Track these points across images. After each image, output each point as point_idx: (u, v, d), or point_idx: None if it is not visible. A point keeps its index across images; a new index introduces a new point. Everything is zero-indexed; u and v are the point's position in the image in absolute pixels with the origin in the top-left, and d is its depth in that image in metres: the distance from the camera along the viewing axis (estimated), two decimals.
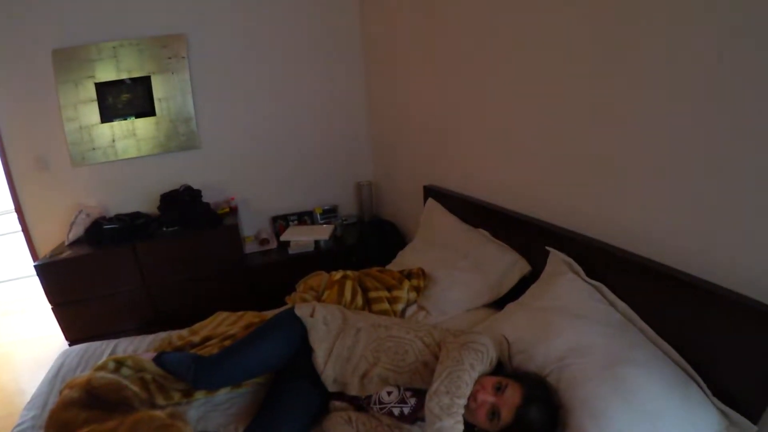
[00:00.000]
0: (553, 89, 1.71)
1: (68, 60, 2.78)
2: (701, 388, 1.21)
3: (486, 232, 2.14)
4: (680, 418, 1.13)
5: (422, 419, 1.31)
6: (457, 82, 2.33)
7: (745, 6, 1.07)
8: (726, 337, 1.18)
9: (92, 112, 2.89)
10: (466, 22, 2.14)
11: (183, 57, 2.98)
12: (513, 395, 1.20)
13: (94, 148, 2.95)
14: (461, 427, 1.14)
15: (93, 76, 2.84)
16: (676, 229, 1.33)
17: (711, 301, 1.20)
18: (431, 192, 2.65)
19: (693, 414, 1.14)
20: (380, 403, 1.40)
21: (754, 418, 1.12)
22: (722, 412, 1.16)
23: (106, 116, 2.93)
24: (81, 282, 2.69)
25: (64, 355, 1.93)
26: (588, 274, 1.57)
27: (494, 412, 1.20)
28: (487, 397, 1.21)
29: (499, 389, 1.22)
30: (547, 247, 1.74)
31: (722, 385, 1.19)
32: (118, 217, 2.91)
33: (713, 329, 1.21)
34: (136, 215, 2.97)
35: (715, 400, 1.18)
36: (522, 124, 1.91)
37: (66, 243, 2.83)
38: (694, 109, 1.22)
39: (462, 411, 1.16)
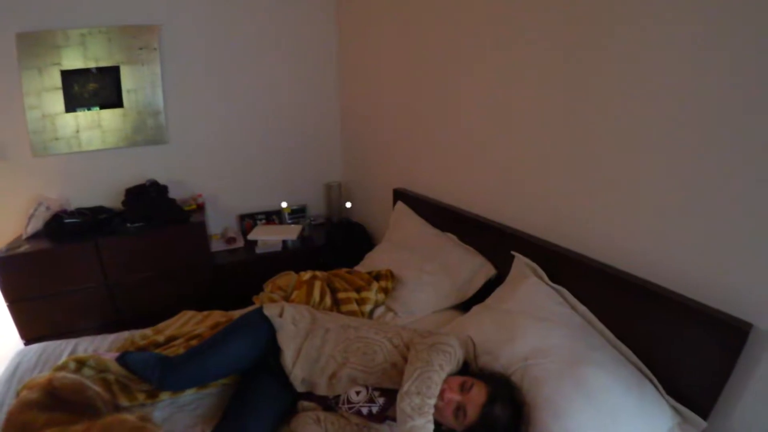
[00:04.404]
0: (521, 99, 1.76)
1: (33, 45, 2.66)
2: (656, 387, 1.28)
3: (453, 236, 2.19)
4: (637, 414, 1.20)
5: (391, 418, 1.34)
6: (428, 89, 2.36)
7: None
8: (678, 340, 1.25)
9: (56, 101, 2.78)
10: (439, 29, 2.18)
11: (154, 49, 2.90)
12: (478, 394, 1.24)
13: (56, 138, 2.84)
14: (432, 426, 1.17)
15: (59, 64, 2.74)
16: (634, 237, 1.40)
17: (665, 306, 1.28)
18: (401, 195, 2.68)
19: (649, 411, 1.22)
20: (349, 402, 1.41)
21: (704, 415, 1.21)
22: (675, 409, 1.24)
23: (71, 106, 2.82)
24: (39, 278, 2.58)
25: (21, 355, 1.85)
26: (551, 279, 1.63)
27: (460, 410, 1.24)
28: (454, 396, 1.25)
29: (464, 388, 1.26)
30: (513, 252, 1.80)
31: (675, 384, 1.27)
32: (80, 211, 2.81)
33: (667, 332, 1.28)
34: (99, 210, 2.88)
35: (669, 398, 1.26)
36: (489, 133, 1.96)
37: (24, 236, 2.72)
38: (650, 119, 1.29)
39: (432, 410, 1.19)
